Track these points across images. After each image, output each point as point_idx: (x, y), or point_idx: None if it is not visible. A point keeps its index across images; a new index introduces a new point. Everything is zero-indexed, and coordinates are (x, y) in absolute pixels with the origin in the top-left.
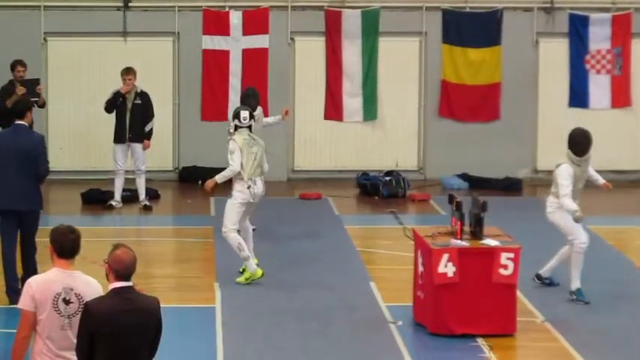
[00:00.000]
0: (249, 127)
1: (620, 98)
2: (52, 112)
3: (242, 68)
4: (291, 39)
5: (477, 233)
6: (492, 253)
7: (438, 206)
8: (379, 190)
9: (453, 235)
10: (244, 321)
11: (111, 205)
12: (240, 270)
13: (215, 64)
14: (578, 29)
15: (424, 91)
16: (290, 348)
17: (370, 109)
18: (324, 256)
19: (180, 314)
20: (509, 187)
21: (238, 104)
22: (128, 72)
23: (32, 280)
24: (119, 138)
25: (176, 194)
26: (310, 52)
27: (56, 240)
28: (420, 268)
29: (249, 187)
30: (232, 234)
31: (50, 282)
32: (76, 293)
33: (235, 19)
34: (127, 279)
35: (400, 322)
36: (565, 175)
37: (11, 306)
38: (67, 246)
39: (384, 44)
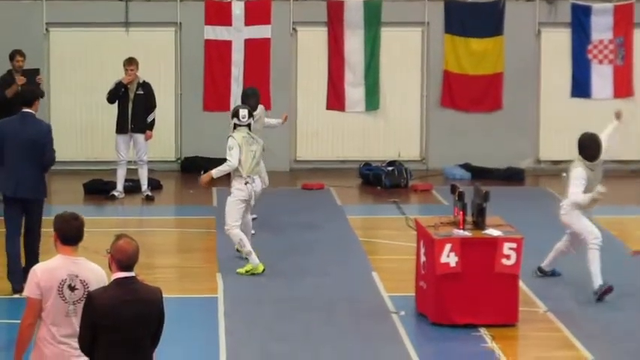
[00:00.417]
0: (249, 126)
1: (622, 88)
2: (54, 103)
3: (244, 59)
4: (294, 29)
5: (479, 223)
6: (495, 244)
7: (440, 196)
8: (381, 181)
9: (456, 226)
10: (247, 311)
11: (113, 195)
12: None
13: (217, 54)
14: (580, 19)
15: (426, 82)
16: (292, 338)
17: (372, 100)
18: (327, 246)
19: (182, 304)
20: (512, 177)
21: (240, 94)
22: (130, 62)
23: (37, 268)
24: (121, 128)
25: (178, 184)
26: (312, 42)
27: (60, 227)
28: (423, 258)
29: (246, 184)
30: (235, 230)
31: (55, 269)
32: (80, 280)
33: (237, 9)
34: (130, 269)
35: (402, 313)
36: (578, 177)
37: (14, 296)
38: (71, 233)
39: (387, 34)
